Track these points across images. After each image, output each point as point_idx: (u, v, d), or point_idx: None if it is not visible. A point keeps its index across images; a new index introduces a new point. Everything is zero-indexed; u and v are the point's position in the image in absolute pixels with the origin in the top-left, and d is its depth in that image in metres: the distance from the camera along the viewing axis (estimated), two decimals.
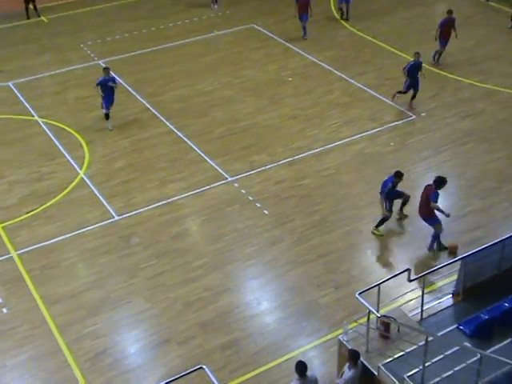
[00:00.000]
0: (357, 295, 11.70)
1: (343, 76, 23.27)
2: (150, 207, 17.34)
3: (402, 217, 16.71)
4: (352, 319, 12.22)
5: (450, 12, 23.28)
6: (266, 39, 26.36)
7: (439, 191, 15.01)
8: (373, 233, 16.18)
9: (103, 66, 20.45)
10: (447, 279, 13.78)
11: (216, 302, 14.45)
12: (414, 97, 21.04)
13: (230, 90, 22.78)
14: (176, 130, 20.44)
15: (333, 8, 28.60)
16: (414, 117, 20.74)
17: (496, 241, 13.35)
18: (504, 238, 13.40)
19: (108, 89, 19.98)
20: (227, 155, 19.28)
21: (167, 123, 20.86)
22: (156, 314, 14.26)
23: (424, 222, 15.59)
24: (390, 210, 16.07)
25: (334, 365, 12.47)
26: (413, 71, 20.64)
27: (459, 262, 13.02)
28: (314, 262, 15.44)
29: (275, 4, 29.56)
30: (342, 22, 27.40)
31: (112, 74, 20.10)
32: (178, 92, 22.70)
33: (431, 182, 15.17)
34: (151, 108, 21.72)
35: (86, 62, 24.88)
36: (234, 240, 16.18)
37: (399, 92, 21.19)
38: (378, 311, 11.62)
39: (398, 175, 15.90)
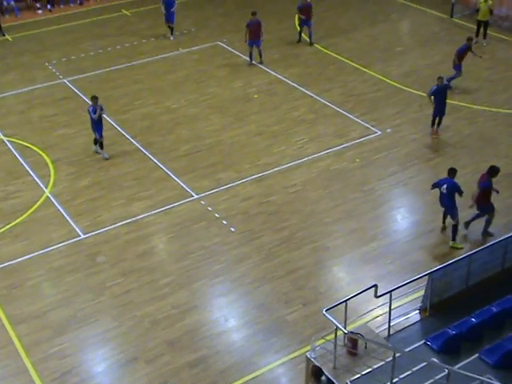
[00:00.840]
0: (324, 312, 11.69)
1: (308, 93, 23.40)
2: (116, 225, 17.21)
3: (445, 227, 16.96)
4: (320, 336, 12.19)
5: (469, 39, 23.11)
6: (231, 57, 26.44)
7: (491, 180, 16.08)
8: (452, 247, 16.27)
9: (91, 95, 19.83)
10: (414, 295, 13.80)
11: (183, 320, 14.36)
12: (439, 122, 20.50)
13: (195, 107, 22.77)
14: (142, 148, 20.34)
15: (297, 24, 28.84)
16: (379, 133, 20.90)
17: (463, 256, 13.49)
18: (471, 252, 13.53)
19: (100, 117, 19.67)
20: (193, 173, 19.24)
21: (133, 141, 20.76)
22: (123, 333, 14.11)
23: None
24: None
25: (302, 382, 12.42)
26: (438, 96, 20.00)
27: (426, 278, 13.10)
28: (282, 278, 15.43)
29: (240, 22, 29.53)
30: (305, 37, 27.56)
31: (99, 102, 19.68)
32: (144, 110, 22.63)
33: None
34: (117, 126, 21.60)
35: (51, 80, 24.71)
36: (201, 257, 16.11)
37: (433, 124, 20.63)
38: (345, 328, 11.60)
39: (454, 171, 16.31)
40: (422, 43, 27.25)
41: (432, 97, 20.14)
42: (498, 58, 25.74)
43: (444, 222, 16.88)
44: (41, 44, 27.92)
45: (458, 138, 20.66)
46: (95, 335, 14.07)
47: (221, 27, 29.24)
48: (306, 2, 26.58)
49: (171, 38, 27.76)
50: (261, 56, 25.50)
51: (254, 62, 25.47)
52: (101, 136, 19.79)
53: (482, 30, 26.63)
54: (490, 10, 26.41)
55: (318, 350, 11.84)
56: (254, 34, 25.04)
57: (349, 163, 19.53)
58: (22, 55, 26.94)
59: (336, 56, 25.88)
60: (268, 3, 31.79)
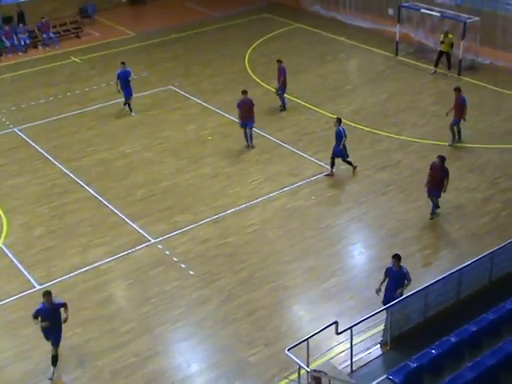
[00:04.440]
0: (286, 351, 11.67)
1: (261, 133, 23.59)
2: (72, 274, 16.96)
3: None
4: (283, 376, 12.16)
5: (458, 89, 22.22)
6: (183, 100, 26.60)
7: None
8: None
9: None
10: (375, 329, 13.92)
11: (145, 368, 14.14)
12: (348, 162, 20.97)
13: (149, 151, 22.77)
14: (96, 195, 20.19)
15: (247, 66, 29.18)
16: (333, 170, 21.13)
17: (419, 288, 13.65)
18: (427, 285, 13.72)
19: None
20: (149, 217, 19.16)
21: (87, 188, 20.60)
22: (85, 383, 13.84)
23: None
24: None
25: None
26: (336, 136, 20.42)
27: (386, 312, 13.21)
28: (243, 320, 15.36)
29: (190, 65, 29.97)
30: (255, 78, 27.94)
31: None
32: (97, 156, 22.53)
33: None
34: (70, 173, 21.43)
35: (1, 130, 24.47)
36: (161, 302, 15.97)
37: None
38: (308, 366, 11.61)
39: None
40: (370, 81, 27.85)
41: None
42: (443, 92, 26.37)
43: None
44: None
45: (409, 172, 21.00)
46: None
47: (171, 71, 29.45)
48: (280, 66, 24.97)
49: (132, 114, 25.37)
50: (251, 139, 22.81)
51: (248, 143, 22.85)
52: None
53: (444, 60, 27.58)
54: (451, 43, 27.42)
55: None
56: (247, 112, 22.40)
57: (304, 201, 19.69)
58: None
59: (287, 96, 26.16)
60: (219, 45, 32.24)
